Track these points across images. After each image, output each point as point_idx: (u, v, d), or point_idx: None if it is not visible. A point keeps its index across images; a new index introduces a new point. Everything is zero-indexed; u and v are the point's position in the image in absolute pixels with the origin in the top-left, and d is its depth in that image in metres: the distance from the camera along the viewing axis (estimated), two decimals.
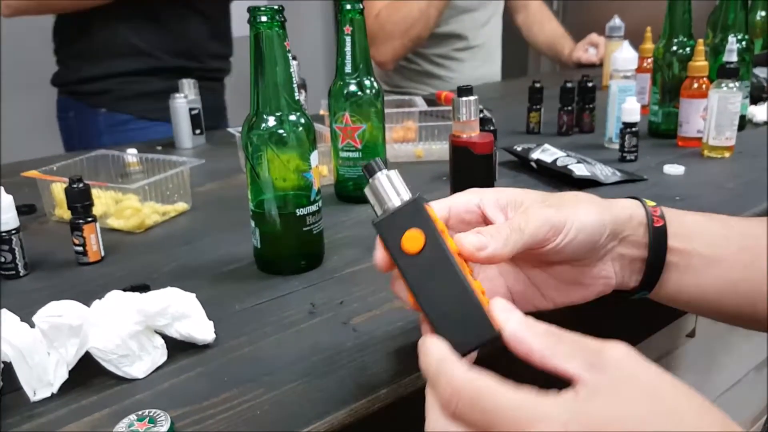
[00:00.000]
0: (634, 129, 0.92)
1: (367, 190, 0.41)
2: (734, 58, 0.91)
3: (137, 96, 1.25)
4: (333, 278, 0.62)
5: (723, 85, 0.91)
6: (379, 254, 0.39)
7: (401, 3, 1.56)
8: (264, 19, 0.58)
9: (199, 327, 0.50)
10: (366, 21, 0.80)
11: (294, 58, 1.15)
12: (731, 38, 0.93)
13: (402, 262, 0.37)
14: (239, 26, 2.10)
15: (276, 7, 0.58)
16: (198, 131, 1.09)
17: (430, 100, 1.36)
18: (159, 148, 1.09)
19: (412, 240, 0.36)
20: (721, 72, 0.90)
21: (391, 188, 0.39)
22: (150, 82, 1.25)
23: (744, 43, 1.05)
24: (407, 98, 1.23)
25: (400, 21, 1.53)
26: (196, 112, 1.08)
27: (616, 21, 1.39)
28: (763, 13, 1.44)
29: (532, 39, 1.91)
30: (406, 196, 0.39)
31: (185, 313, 0.49)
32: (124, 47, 1.22)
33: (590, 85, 1.09)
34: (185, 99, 1.07)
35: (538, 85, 1.12)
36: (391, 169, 0.41)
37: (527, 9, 1.88)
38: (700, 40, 0.97)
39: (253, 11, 0.58)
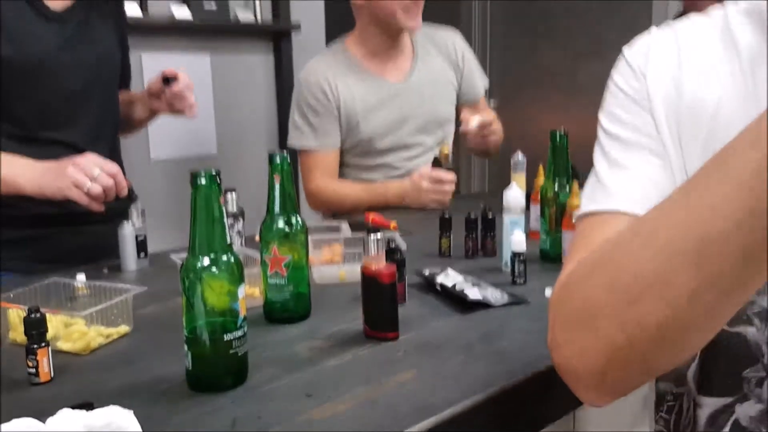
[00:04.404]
0: (521, 257, 1.09)
1: None
2: None
3: None
4: (254, 394, 0.73)
5: None
6: None
7: (339, 187, 1.79)
8: (203, 181, 0.72)
9: None
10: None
11: (233, 190, 1.30)
12: None
13: None
14: (157, 148, 2.27)
15: (213, 172, 0.73)
16: (143, 255, 1.20)
17: (360, 223, 1.52)
18: (105, 270, 1.19)
19: None
20: None
21: None
22: None
23: None
24: (335, 224, 1.39)
25: (334, 202, 1.78)
26: (141, 238, 1.20)
27: (519, 157, 1.61)
28: None
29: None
30: None
31: (125, 429, 0.59)
32: None
33: (490, 216, 1.27)
34: (132, 226, 1.19)
35: (446, 215, 1.30)
36: None
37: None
38: (576, 182, 1.17)
39: (195, 176, 0.72)
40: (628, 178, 0.62)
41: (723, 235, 0.45)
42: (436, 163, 1.79)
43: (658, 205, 0.52)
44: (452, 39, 1.92)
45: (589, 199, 0.65)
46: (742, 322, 0.60)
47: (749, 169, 0.43)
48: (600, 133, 0.67)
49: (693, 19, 0.67)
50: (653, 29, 0.68)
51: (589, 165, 1.35)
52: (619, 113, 0.65)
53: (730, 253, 0.45)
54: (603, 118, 0.67)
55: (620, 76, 0.67)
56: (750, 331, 0.60)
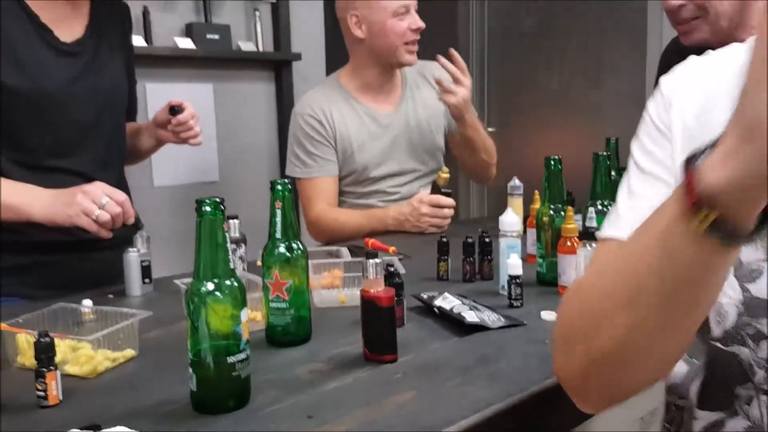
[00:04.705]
0: (518, 280, 1.11)
1: None
2: (594, 223, 1.13)
3: None
4: (257, 416, 0.75)
5: (587, 244, 1.12)
6: None
7: (339, 214, 1.82)
8: (208, 209, 0.75)
9: None
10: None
11: (236, 217, 1.33)
12: (591, 208, 1.16)
13: None
14: (160, 175, 2.31)
15: (218, 199, 0.76)
16: (147, 280, 1.23)
17: (359, 247, 1.55)
18: (110, 296, 1.22)
19: None
20: (582, 235, 1.12)
21: None
22: None
23: (609, 207, 1.29)
24: (335, 249, 1.41)
25: (335, 229, 1.80)
26: (146, 263, 1.22)
27: (516, 181, 1.64)
28: None
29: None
30: None
31: None
32: None
33: (487, 240, 1.30)
34: (137, 252, 1.22)
35: (444, 239, 1.32)
36: None
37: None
38: (570, 208, 1.20)
39: (200, 203, 0.75)
40: (639, 207, 0.65)
41: (645, 281, 0.49)
42: (435, 188, 1.82)
43: (621, 244, 0.56)
44: (440, 71, 1.98)
45: (606, 224, 0.68)
46: (737, 342, 0.62)
47: (666, 222, 0.47)
48: (629, 160, 0.70)
49: (732, 47, 0.68)
50: (691, 57, 0.69)
51: (584, 189, 1.38)
52: (645, 142, 0.68)
53: (651, 299, 0.49)
54: (633, 145, 0.70)
55: (653, 104, 0.69)
56: (743, 352, 0.62)
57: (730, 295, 0.60)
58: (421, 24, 1.80)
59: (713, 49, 1.41)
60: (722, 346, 0.63)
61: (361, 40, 1.80)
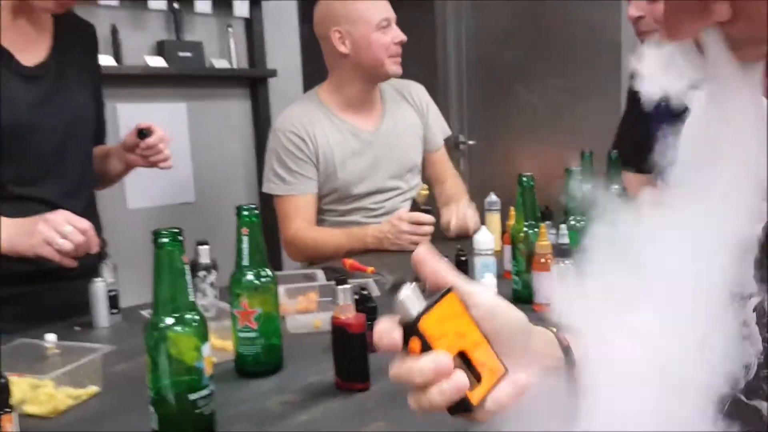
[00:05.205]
0: None
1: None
2: (566, 240, 1.12)
3: None
4: None
5: (560, 261, 1.11)
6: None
7: (317, 233, 1.80)
8: (165, 240, 0.73)
9: None
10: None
11: (206, 243, 1.30)
12: (563, 225, 1.15)
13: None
14: (134, 197, 2.27)
15: (175, 230, 0.74)
16: (115, 310, 1.20)
17: (336, 270, 1.53)
18: (77, 328, 1.18)
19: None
20: (556, 252, 1.11)
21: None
22: None
23: (582, 223, 1.28)
24: (310, 272, 1.39)
25: (312, 248, 1.78)
26: (113, 294, 1.19)
27: (493, 197, 1.64)
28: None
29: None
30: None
31: None
32: None
33: (463, 258, 1.28)
34: (104, 282, 1.19)
35: None
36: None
37: (443, 185, 2.03)
38: (542, 225, 1.19)
39: (156, 234, 0.73)
40: None
41: None
42: (415, 205, 1.81)
43: None
44: (417, 90, 2.00)
45: None
46: (759, 396, 0.59)
47: None
48: None
49: None
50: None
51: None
52: None
53: None
54: None
55: None
56: (764, 406, 0.59)
57: (753, 346, 0.59)
58: (403, 37, 1.80)
59: None
60: (745, 399, 0.61)
61: (346, 55, 1.79)
